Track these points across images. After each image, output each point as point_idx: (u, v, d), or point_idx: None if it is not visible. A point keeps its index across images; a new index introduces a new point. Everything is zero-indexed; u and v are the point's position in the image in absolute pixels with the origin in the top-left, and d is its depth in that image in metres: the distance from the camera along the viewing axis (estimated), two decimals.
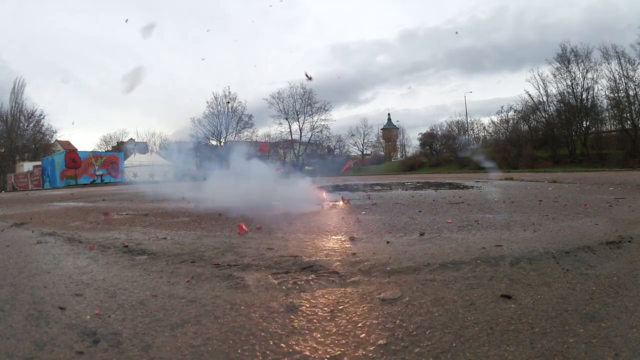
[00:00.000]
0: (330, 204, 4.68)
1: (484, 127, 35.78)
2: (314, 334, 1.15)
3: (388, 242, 2.35)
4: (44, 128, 37.77)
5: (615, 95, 24.76)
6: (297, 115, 39.64)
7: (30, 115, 36.52)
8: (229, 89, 38.65)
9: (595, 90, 25.73)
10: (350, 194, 6.40)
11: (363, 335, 1.14)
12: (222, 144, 39.61)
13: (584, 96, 26.01)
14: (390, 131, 49.31)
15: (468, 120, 35.63)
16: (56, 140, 39.69)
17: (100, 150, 39.74)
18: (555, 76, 27.16)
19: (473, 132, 36.07)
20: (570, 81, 26.51)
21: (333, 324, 1.22)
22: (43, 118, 37.26)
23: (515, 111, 29.47)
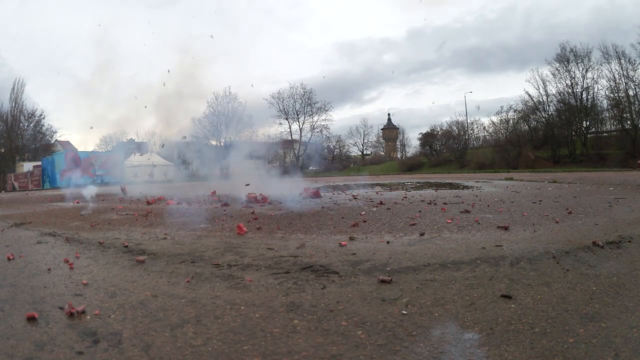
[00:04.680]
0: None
1: (484, 128, 35.79)
2: (314, 334, 1.15)
3: (388, 242, 2.35)
4: (44, 128, 37.77)
5: (615, 95, 24.75)
6: (297, 115, 39.66)
7: (30, 115, 36.53)
8: (229, 89, 38.63)
9: (595, 90, 25.74)
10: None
11: (363, 335, 1.14)
12: (222, 144, 39.63)
13: (583, 96, 26.01)
14: (390, 131, 49.35)
15: (468, 120, 35.62)
16: (56, 140, 39.69)
17: (100, 150, 39.75)
18: (554, 76, 27.16)
19: (473, 132, 36.07)
20: (570, 81, 26.51)
21: (333, 323, 1.22)
22: (43, 118, 37.26)
23: (515, 111, 29.48)
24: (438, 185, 8.33)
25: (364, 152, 46.94)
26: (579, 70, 26.29)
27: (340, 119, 51.01)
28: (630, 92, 24.20)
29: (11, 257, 2.27)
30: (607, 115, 26.18)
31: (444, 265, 1.81)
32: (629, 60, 24.11)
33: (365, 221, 3.20)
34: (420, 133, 37.55)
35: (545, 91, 27.81)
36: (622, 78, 24.44)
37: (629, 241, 2.19)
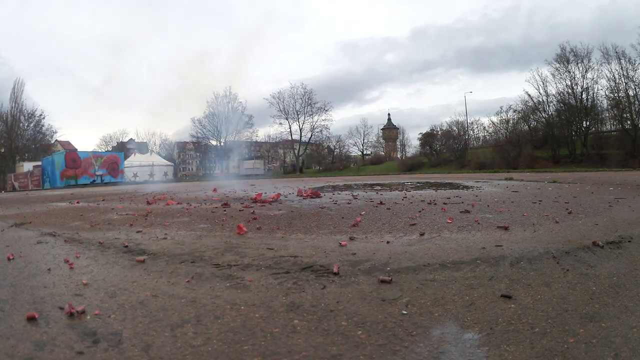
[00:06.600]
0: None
1: (484, 128, 35.85)
2: (314, 334, 1.15)
3: (388, 242, 2.35)
4: (44, 128, 37.81)
5: (615, 95, 24.76)
6: (297, 115, 39.66)
7: (30, 115, 36.56)
8: (229, 88, 38.67)
9: (595, 90, 25.75)
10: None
11: (363, 335, 1.14)
12: (221, 143, 39.64)
13: (583, 96, 26.03)
14: (390, 131, 49.42)
15: (468, 120, 35.68)
16: (56, 140, 39.74)
17: (100, 151, 39.87)
18: (554, 76, 27.18)
19: (473, 132, 36.12)
20: (570, 81, 26.53)
21: (333, 323, 1.22)
22: (43, 118, 37.29)
23: (514, 111, 29.51)
24: (438, 185, 8.33)
25: (364, 152, 46.95)
26: (579, 70, 26.32)
27: (341, 118, 51.34)
28: (630, 92, 24.22)
29: (11, 257, 2.27)
30: (607, 115, 26.21)
31: (444, 265, 1.81)
32: (629, 61, 24.14)
33: (365, 221, 3.20)
34: (420, 133, 37.60)
35: (545, 91, 27.84)
36: (622, 78, 24.46)
37: (629, 241, 2.19)
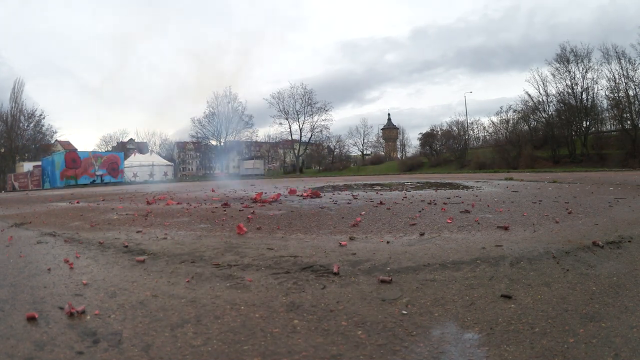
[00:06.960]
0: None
1: (484, 128, 35.91)
2: (314, 334, 1.15)
3: (388, 242, 2.35)
4: (44, 128, 37.84)
5: (615, 95, 24.78)
6: (297, 115, 39.67)
7: (30, 115, 36.59)
8: (229, 88, 38.72)
9: (595, 90, 25.78)
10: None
11: (363, 335, 1.14)
12: (221, 143, 39.65)
13: (583, 96, 26.04)
14: (390, 131, 49.45)
15: (468, 120, 35.72)
16: (56, 140, 39.77)
17: (100, 150, 39.92)
18: (554, 76, 27.20)
19: (473, 132, 36.17)
20: (570, 81, 26.55)
21: (333, 323, 1.22)
22: (43, 118, 37.32)
23: (514, 111, 29.54)
24: (438, 185, 8.33)
25: (364, 152, 46.95)
26: (579, 70, 26.34)
27: (342, 118, 51.49)
28: (630, 92, 24.23)
29: (11, 257, 2.27)
30: (607, 115, 26.23)
31: (444, 265, 1.81)
32: (629, 60, 24.17)
33: (365, 221, 3.20)
34: (420, 133, 37.63)
35: (545, 91, 27.86)
36: (622, 78, 24.49)
37: (629, 241, 2.19)
